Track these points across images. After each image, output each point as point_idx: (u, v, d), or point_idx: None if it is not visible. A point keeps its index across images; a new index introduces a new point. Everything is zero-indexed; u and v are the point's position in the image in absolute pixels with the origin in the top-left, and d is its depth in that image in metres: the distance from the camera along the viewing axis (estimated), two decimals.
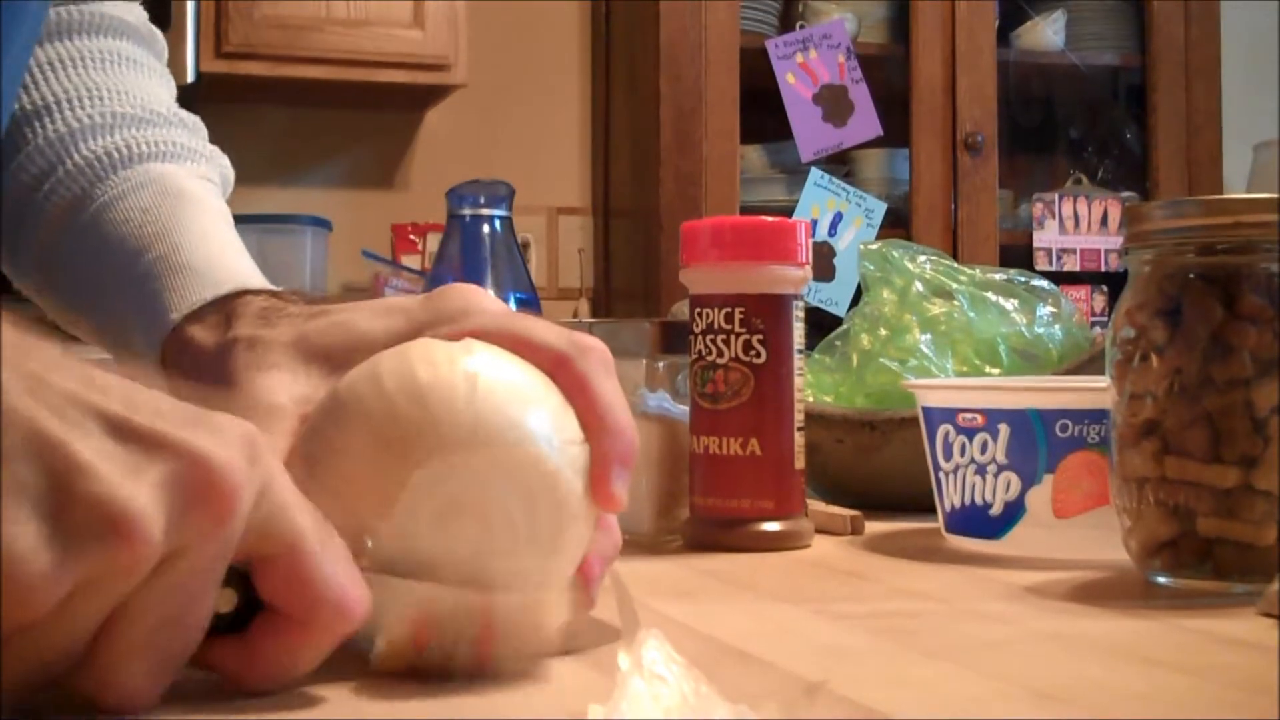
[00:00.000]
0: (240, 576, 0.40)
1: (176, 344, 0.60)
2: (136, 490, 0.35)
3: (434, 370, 0.45)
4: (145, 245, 0.64)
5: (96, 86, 0.73)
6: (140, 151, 0.70)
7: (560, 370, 0.48)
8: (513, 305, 1.16)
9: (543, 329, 0.49)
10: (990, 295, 0.95)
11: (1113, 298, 3.02)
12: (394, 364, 0.46)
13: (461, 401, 0.45)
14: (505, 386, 0.46)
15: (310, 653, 0.41)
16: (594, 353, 0.49)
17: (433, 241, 2.82)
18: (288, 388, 0.51)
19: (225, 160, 0.75)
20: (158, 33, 0.79)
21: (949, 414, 0.72)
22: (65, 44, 0.73)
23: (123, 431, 0.36)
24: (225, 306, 0.60)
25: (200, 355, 0.58)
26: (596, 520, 0.48)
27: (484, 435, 0.44)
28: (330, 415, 0.46)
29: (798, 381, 0.75)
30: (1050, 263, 3.00)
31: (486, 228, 1.19)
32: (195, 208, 0.67)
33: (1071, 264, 3.03)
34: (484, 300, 0.53)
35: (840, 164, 2.98)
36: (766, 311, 0.74)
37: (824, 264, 2.83)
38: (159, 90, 0.76)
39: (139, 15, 0.78)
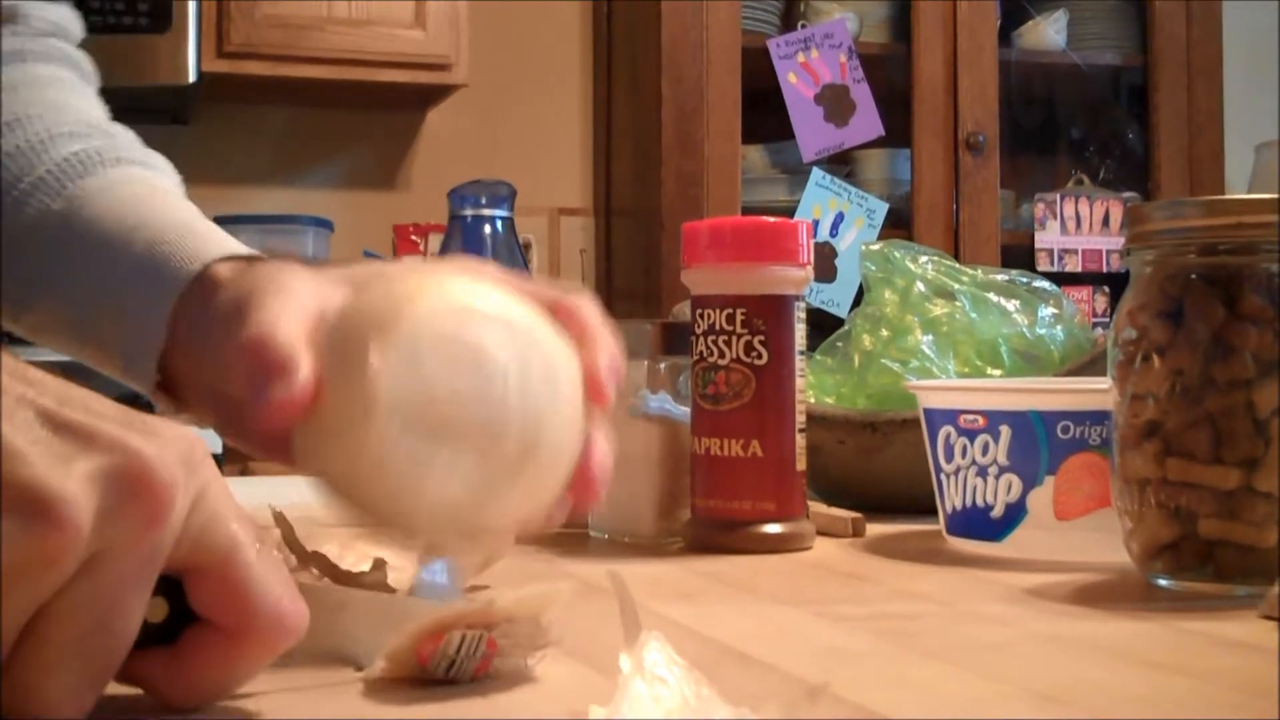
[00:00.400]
0: (172, 586, 0.39)
1: (197, 289, 0.60)
2: (66, 477, 0.35)
3: (441, 282, 0.49)
4: (146, 222, 0.65)
5: (65, 104, 0.74)
6: (119, 156, 0.71)
7: (556, 309, 0.51)
8: None
9: (542, 283, 0.54)
10: (992, 296, 0.95)
11: (1114, 299, 3.02)
12: (405, 280, 0.49)
13: (462, 287, 0.48)
14: (505, 300, 0.49)
15: (243, 667, 0.40)
16: (585, 297, 0.53)
17: (434, 242, 2.83)
18: (307, 281, 0.52)
19: (173, 170, 0.77)
20: (92, 68, 0.82)
21: (950, 415, 0.72)
22: (24, 69, 0.75)
23: (55, 423, 0.36)
24: (252, 257, 0.61)
25: (222, 289, 0.59)
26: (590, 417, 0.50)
27: (482, 301, 0.48)
28: (347, 319, 0.48)
29: (799, 382, 0.75)
30: (1052, 263, 3.00)
31: (488, 228, 1.19)
32: (185, 202, 0.68)
33: (1073, 265, 3.03)
34: (489, 266, 0.56)
35: (842, 164, 2.98)
36: (768, 312, 0.74)
37: (825, 265, 2.83)
38: (101, 113, 0.78)
39: (81, 52, 0.81)
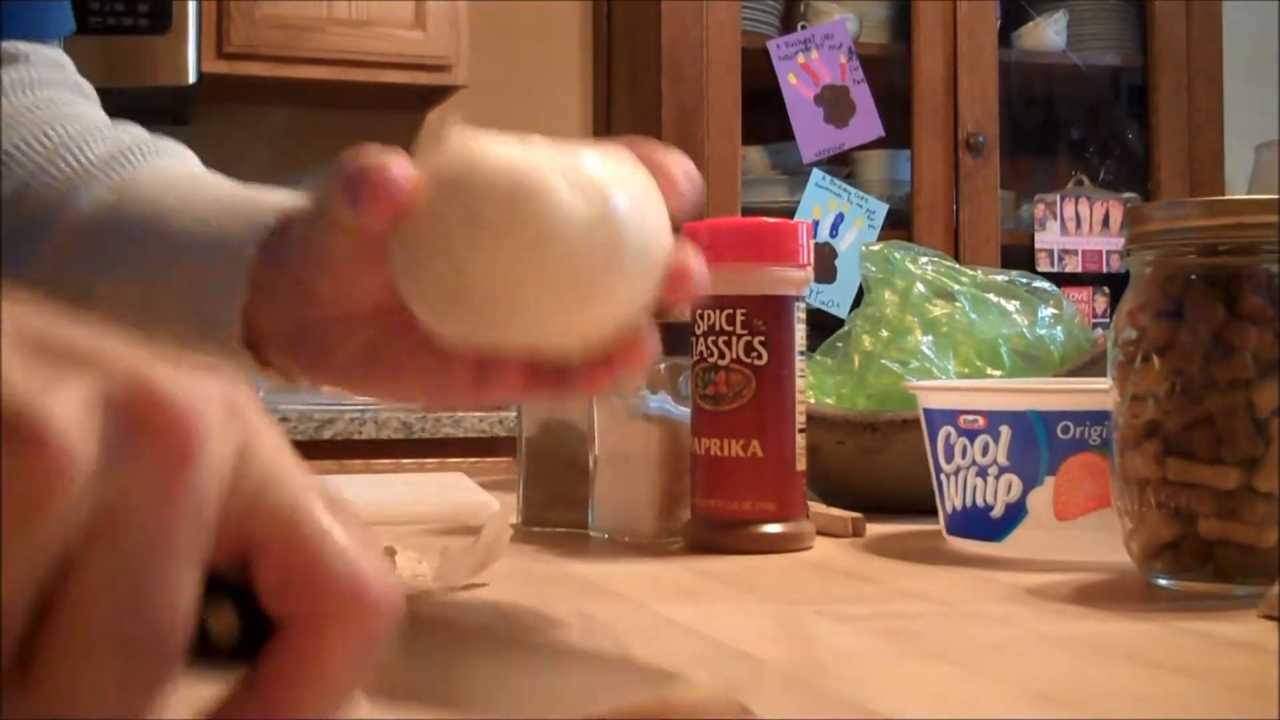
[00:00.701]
0: (243, 593, 0.31)
1: (275, 232, 0.60)
2: (46, 393, 0.28)
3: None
4: (204, 192, 0.66)
5: (86, 115, 0.75)
6: (156, 148, 0.72)
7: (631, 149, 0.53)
8: None
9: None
10: (992, 296, 0.95)
11: (1114, 299, 3.02)
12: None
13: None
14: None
15: (330, 667, 0.31)
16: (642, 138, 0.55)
17: None
18: None
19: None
20: (95, 92, 0.82)
21: (950, 415, 0.72)
22: (36, 94, 0.77)
23: (39, 346, 0.29)
24: None
25: (294, 219, 0.59)
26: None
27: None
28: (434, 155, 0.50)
29: (799, 383, 0.75)
30: (1052, 264, 3.00)
31: None
32: (228, 179, 0.69)
33: (1073, 265, 3.03)
34: None
35: (842, 165, 2.98)
36: (768, 313, 0.74)
37: (825, 265, 2.83)
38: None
39: (81, 79, 0.82)
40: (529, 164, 0.48)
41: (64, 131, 0.73)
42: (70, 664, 0.28)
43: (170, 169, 0.71)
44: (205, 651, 0.31)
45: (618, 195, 0.48)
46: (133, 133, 0.75)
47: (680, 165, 0.54)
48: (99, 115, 0.77)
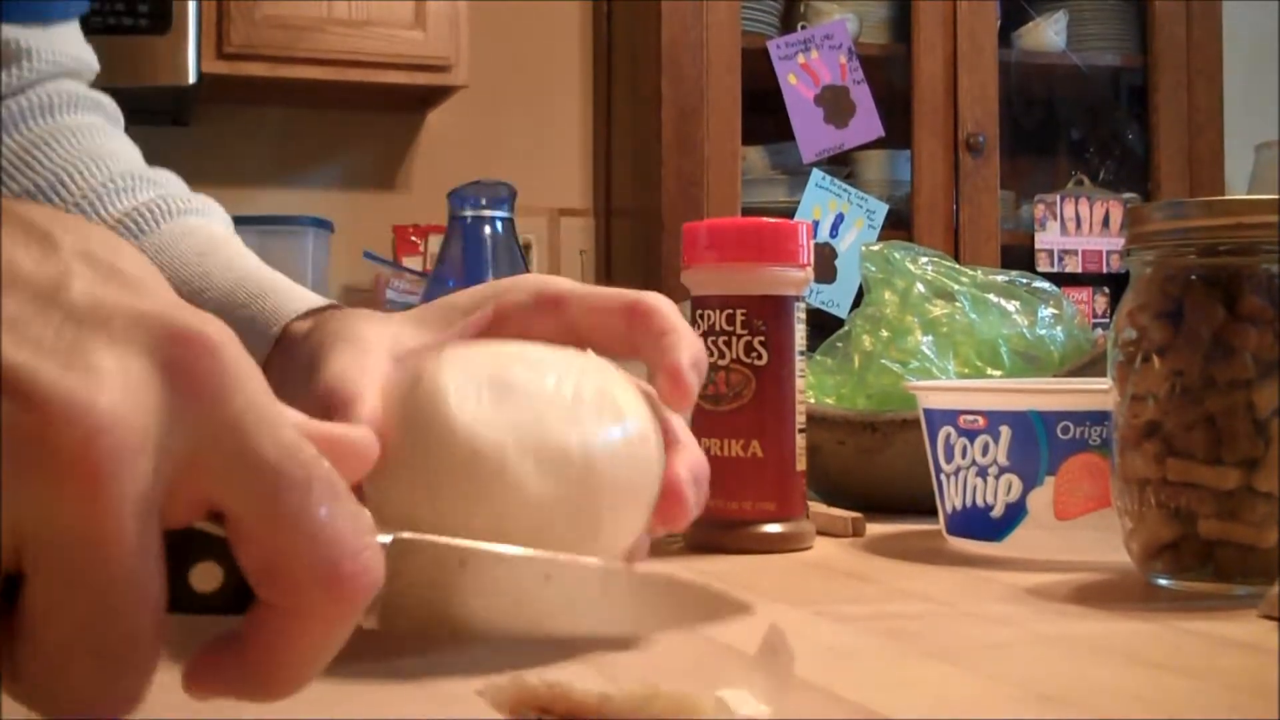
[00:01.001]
0: (228, 546, 0.31)
1: (279, 349, 0.60)
2: None
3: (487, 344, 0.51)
4: (214, 283, 0.65)
5: (104, 153, 0.73)
6: (170, 208, 0.70)
7: (632, 311, 0.52)
8: None
9: (616, 289, 0.54)
10: (992, 297, 0.95)
11: (1114, 299, 3.02)
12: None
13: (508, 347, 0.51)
14: (541, 348, 0.51)
15: (303, 652, 0.31)
16: (661, 298, 0.53)
17: (434, 243, 2.83)
18: (378, 327, 0.53)
19: (223, 211, 0.76)
20: (118, 108, 0.80)
21: (950, 416, 0.72)
22: (50, 120, 0.74)
23: None
24: (324, 310, 0.61)
25: (300, 344, 0.58)
26: (665, 437, 0.50)
27: (519, 348, 0.49)
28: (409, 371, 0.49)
29: (799, 383, 0.75)
30: (1052, 264, 3.00)
31: (488, 229, 1.19)
32: (242, 250, 0.68)
33: (1073, 265, 3.03)
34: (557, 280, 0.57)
35: (842, 165, 2.98)
36: (768, 313, 0.74)
37: (825, 265, 2.83)
38: (139, 157, 0.77)
39: (103, 94, 0.80)
40: (489, 439, 0.45)
41: (78, 189, 0.69)
42: (46, 668, 0.29)
43: (187, 237, 0.68)
44: (192, 605, 0.31)
45: (595, 453, 0.46)
46: (161, 185, 0.72)
47: (687, 351, 0.50)
48: (115, 150, 0.74)
